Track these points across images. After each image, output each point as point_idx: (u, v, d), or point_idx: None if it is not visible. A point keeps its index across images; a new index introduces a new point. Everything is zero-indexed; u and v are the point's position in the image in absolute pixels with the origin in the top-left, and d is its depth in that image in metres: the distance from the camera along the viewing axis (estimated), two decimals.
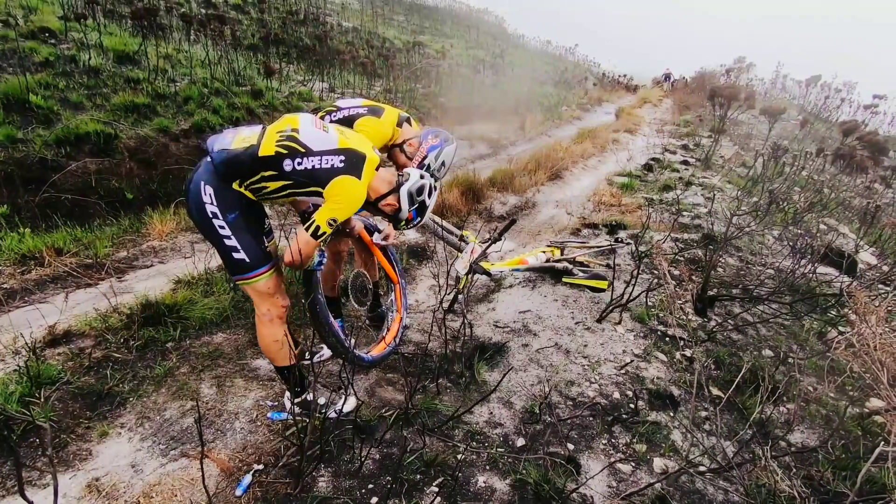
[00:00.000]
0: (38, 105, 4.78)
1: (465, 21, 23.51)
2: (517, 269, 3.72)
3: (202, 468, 1.41)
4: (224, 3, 11.18)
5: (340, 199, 1.89)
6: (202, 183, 1.92)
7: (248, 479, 1.93)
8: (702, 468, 2.14)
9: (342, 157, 1.89)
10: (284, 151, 1.87)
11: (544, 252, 3.86)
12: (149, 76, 6.07)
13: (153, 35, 7.14)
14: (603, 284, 3.54)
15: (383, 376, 2.67)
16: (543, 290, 3.60)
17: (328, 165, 1.87)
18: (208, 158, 1.93)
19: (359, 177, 1.90)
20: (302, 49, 10.41)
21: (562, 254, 3.95)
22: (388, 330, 2.87)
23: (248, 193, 1.95)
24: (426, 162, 2.66)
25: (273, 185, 1.92)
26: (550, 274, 3.78)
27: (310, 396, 2.24)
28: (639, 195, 6.61)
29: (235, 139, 1.93)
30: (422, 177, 2.16)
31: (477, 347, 2.89)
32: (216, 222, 1.93)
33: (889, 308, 3.24)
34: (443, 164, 2.76)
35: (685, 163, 8.88)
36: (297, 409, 2.21)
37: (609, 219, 5.33)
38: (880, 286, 4.09)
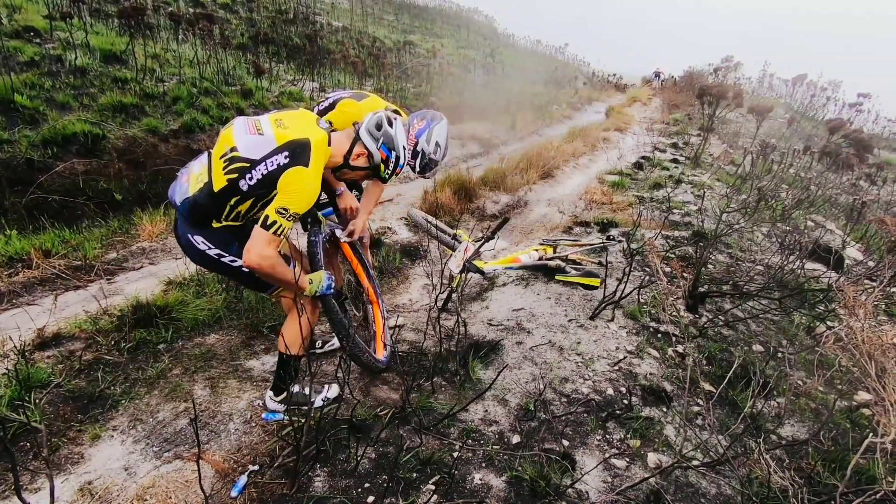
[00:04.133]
0: (24, 105, 4.71)
1: (455, 20, 23.52)
2: (510, 268, 3.73)
3: (199, 469, 1.40)
4: (212, 2, 11.07)
5: (290, 189, 1.83)
6: (189, 235, 1.92)
7: (243, 479, 1.92)
8: (695, 462, 2.16)
9: (286, 153, 1.84)
10: (235, 175, 1.84)
11: (537, 250, 3.87)
12: (137, 76, 6.00)
13: (141, 34, 7.06)
14: (595, 282, 3.56)
15: (378, 375, 2.67)
16: (536, 288, 3.61)
17: (275, 166, 1.83)
18: (178, 211, 1.94)
19: (306, 164, 1.84)
20: (292, 48, 10.35)
21: (554, 252, 3.97)
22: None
23: (231, 223, 1.95)
24: (419, 149, 2.57)
25: (244, 207, 1.91)
26: (543, 272, 3.80)
27: (295, 389, 2.27)
28: (630, 193, 6.66)
29: (191, 181, 1.92)
30: (374, 113, 2.14)
31: (471, 346, 2.89)
32: (225, 260, 1.95)
33: (875, 303, 3.30)
34: (437, 144, 2.61)
35: (675, 161, 8.95)
36: (281, 407, 2.26)
37: (600, 217, 5.37)
38: (867, 281, 4.16)
